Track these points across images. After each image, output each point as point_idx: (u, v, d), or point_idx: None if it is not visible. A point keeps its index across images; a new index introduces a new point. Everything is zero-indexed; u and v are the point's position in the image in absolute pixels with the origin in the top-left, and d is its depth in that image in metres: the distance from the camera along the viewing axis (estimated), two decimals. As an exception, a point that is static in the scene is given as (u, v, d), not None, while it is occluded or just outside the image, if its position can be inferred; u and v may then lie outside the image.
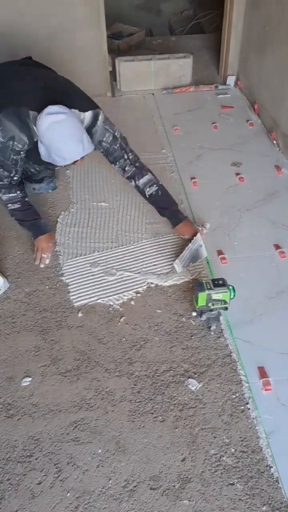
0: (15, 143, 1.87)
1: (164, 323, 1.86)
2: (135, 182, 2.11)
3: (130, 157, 2.07)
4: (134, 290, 1.98)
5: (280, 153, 2.78)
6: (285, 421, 1.54)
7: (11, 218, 2.34)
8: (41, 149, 1.89)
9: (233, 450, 1.47)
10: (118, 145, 2.03)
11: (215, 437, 1.50)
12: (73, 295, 1.97)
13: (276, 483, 1.40)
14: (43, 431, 1.53)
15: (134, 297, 1.96)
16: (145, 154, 2.79)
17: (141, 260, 2.11)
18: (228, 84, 3.50)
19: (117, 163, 2.07)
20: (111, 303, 1.94)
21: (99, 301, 1.95)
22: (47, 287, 2.01)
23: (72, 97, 1.97)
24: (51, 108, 1.80)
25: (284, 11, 2.59)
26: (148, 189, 2.11)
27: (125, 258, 2.13)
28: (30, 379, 1.68)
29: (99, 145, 2.03)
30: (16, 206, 2.10)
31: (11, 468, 1.45)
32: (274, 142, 2.85)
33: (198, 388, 1.64)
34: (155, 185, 2.12)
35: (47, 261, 2.12)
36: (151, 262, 2.10)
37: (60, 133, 1.79)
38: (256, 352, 1.74)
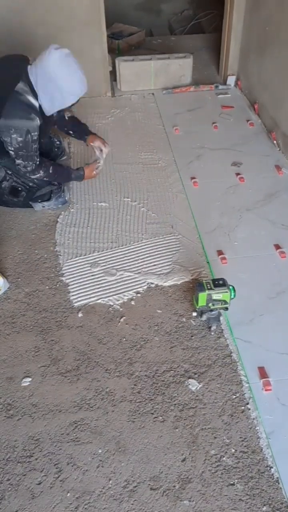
0: (32, 133, 2.05)
1: (164, 323, 1.85)
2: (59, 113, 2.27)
3: None
4: (134, 290, 1.98)
5: (280, 153, 2.77)
6: (285, 421, 1.54)
7: (11, 218, 2.35)
8: (45, 104, 2.06)
9: (233, 450, 1.47)
10: None
11: (215, 438, 1.50)
12: (73, 295, 1.97)
13: (277, 484, 1.40)
14: (43, 431, 1.53)
15: (134, 297, 1.96)
16: (145, 154, 2.81)
17: (141, 260, 2.11)
18: (228, 84, 3.50)
19: None
20: (111, 303, 1.93)
21: (99, 301, 1.94)
22: (47, 287, 2.01)
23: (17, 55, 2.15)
24: (53, 45, 1.97)
25: (284, 12, 2.59)
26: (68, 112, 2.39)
27: (125, 258, 2.12)
28: (30, 379, 1.68)
29: None
30: (52, 175, 2.27)
31: (11, 468, 1.45)
32: (274, 142, 2.85)
33: (198, 388, 1.63)
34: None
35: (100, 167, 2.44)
36: (151, 262, 2.10)
37: (72, 64, 1.98)
38: (256, 352, 1.74)
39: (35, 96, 2.03)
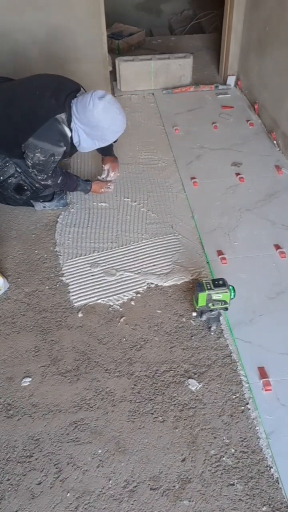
0: (56, 157, 2.11)
1: (164, 323, 1.85)
2: None
3: None
4: (134, 290, 1.98)
5: (280, 153, 2.77)
6: (285, 422, 1.54)
7: (11, 218, 2.36)
8: (84, 145, 2.18)
9: (233, 450, 1.47)
10: None
11: (215, 438, 1.50)
12: (73, 295, 1.97)
13: (276, 484, 1.40)
14: (43, 431, 1.53)
15: (134, 297, 1.96)
16: (145, 154, 2.81)
17: (141, 260, 2.11)
18: (228, 84, 3.50)
19: None
20: (111, 303, 1.94)
21: (99, 301, 1.95)
22: (47, 287, 2.01)
23: (70, 81, 2.25)
24: (97, 93, 2.08)
25: (284, 12, 2.59)
26: None
27: (125, 258, 2.12)
28: (30, 379, 1.68)
29: None
30: (59, 184, 2.29)
31: (11, 468, 1.45)
32: (274, 142, 2.85)
33: (198, 388, 1.63)
34: None
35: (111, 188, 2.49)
36: (151, 262, 2.10)
37: (116, 109, 2.10)
38: (256, 352, 1.74)
39: (70, 128, 2.12)
